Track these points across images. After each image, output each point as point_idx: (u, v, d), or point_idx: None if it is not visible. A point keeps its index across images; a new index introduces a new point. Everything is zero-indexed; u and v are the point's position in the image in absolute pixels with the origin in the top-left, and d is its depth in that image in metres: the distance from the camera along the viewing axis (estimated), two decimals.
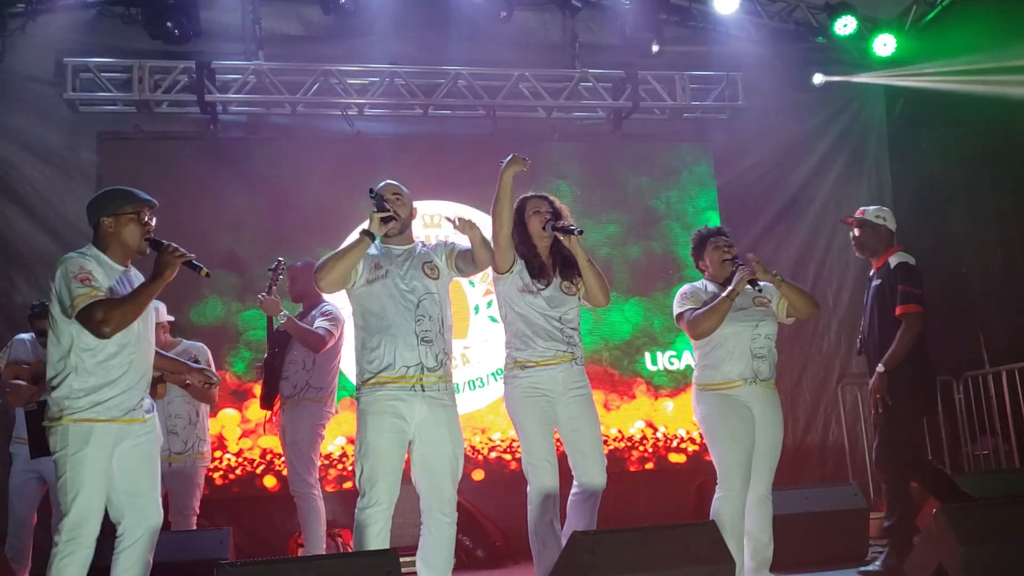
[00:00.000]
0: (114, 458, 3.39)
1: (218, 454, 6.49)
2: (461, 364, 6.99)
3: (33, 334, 5.52)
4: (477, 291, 7.14)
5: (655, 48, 7.49)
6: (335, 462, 6.63)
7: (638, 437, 7.25)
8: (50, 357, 3.46)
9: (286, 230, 6.96)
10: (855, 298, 8.00)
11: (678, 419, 7.32)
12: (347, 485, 6.47)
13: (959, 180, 7.66)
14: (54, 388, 3.39)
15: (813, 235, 8.06)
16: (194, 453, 5.53)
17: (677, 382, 7.39)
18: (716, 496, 4.24)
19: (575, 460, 4.14)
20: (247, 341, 6.73)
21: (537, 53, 7.66)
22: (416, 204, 4.14)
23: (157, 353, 3.77)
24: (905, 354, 4.61)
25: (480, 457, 6.88)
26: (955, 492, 4.66)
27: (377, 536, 3.57)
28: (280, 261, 5.39)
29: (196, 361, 5.41)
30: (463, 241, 3.98)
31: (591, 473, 4.10)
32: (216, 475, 6.48)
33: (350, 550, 4.27)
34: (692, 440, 7.27)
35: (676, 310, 4.44)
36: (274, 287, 5.25)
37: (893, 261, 4.82)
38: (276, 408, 5.46)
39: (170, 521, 5.13)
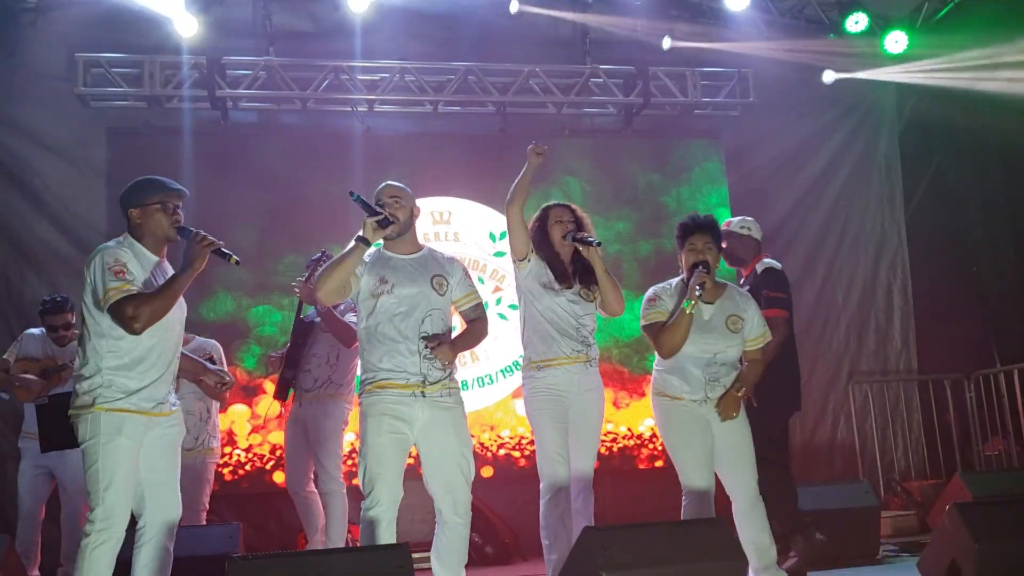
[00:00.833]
0: (142, 448, 3.40)
1: (228, 450, 6.49)
2: (470, 361, 6.98)
3: (43, 329, 5.52)
4: (486, 288, 7.13)
5: (666, 44, 7.48)
6: (344, 458, 6.61)
7: (648, 435, 7.23)
8: (81, 345, 3.46)
9: (296, 226, 6.96)
10: (865, 296, 8.00)
11: None
12: (355, 481, 6.44)
13: (971, 178, 7.64)
14: (86, 377, 3.39)
15: (823, 233, 8.04)
16: (204, 449, 5.54)
17: None
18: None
19: (571, 449, 4.28)
20: (257, 337, 6.73)
21: (547, 49, 7.65)
22: (425, 200, 4.06)
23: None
24: (771, 357, 4.52)
25: (489, 454, 6.87)
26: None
27: (383, 535, 3.56)
28: (324, 252, 5.37)
29: (211, 358, 5.43)
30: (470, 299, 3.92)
31: (582, 462, 4.28)
32: (226, 471, 6.48)
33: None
34: None
35: (642, 322, 4.19)
36: (313, 277, 5.22)
37: (760, 268, 4.82)
38: (288, 400, 5.46)
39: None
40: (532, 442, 4.46)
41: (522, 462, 6.85)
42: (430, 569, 3.79)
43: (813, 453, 7.63)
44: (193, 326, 5.96)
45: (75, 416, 3.38)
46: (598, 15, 7.70)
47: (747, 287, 4.80)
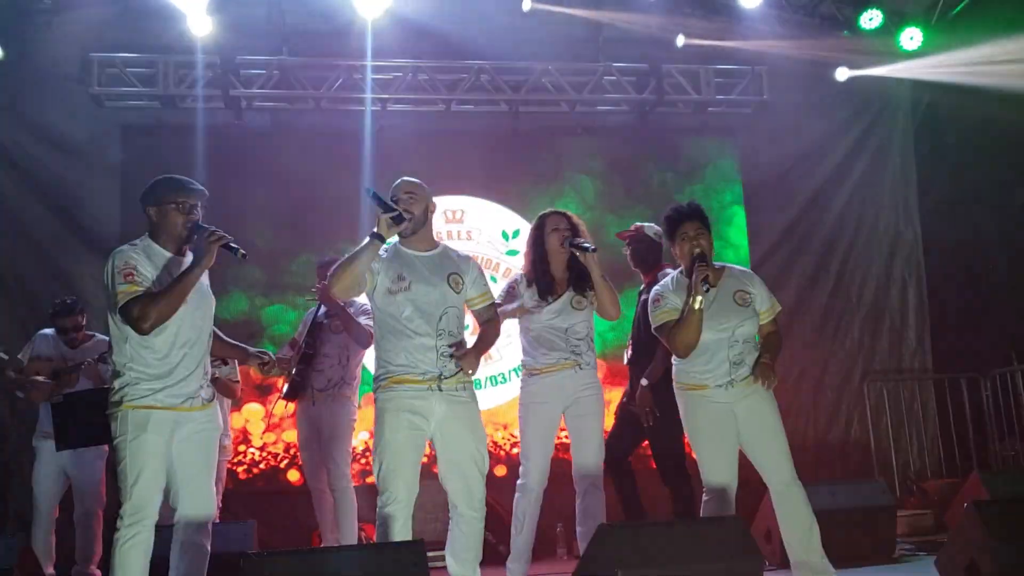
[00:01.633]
0: (173, 444, 3.44)
1: (242, 448, 6.51)
2: (484, 360, 6.94)
3: (55, 330, 5.54)
4: (499, 287, 7.09)
5: (680, 42, 7.46)
6: (358, 456, 6.63)
7: None
8: (112, 346, 3.53)
9: (309, 225, 6.98)
10: (879, 294, 7.96)
11: None
12: (370, 480, 6.46)
13: (987, 176, 7.57)
14: (117, 376, 3.46)
15: (837, 230, 8.00)
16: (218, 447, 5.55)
17: None
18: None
19: (575, 449, 4.47)
20: (271, 336, 6.74)
21: (560, 47, 7.63)
22: (438, 199, 3.99)
23: (219, 339, 3.82)
24: (664, 368, 4.54)
25: (502, 453, 6.86)
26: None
27: (399, 532, 3.56)
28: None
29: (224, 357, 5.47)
30: (486, 292, 3.96)
31: (587, 458, 4.41)
32: (240, 469, 6.51)
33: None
34: None
35: (652, 324, 4.11)
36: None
37: (661, 277, 4.76)
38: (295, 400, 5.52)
39: None
40: None
41: None
42: (445, 568, 3.79)
43: (827, 452, 7.59)
44: None
45: (110, 415, 3.45)
46: (611, 12, 7.68)
47: (647, 294, 4.64)
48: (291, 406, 5.60)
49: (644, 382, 4.82)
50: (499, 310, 4.25)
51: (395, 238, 3.79)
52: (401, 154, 7.03)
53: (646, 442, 5.23)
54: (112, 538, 3.35)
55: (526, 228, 4.82)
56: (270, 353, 3.91)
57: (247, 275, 6.75)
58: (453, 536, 3.74)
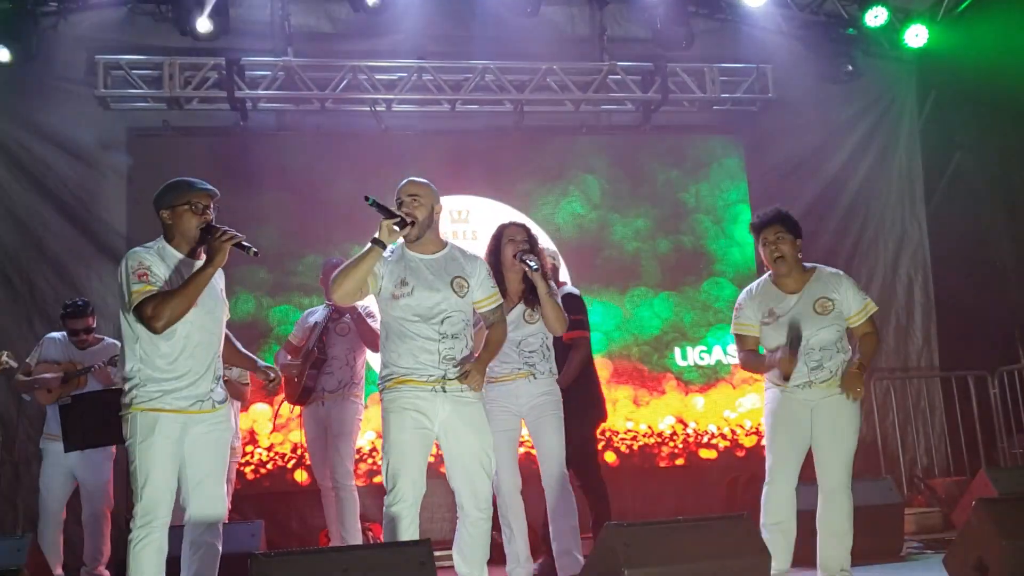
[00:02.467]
0: (186, 445, 3.46)
1: (249, 449, 6.52)
2: None
3: (65, 333, 5.56)
4: None
5: (685, 40, 7.44)
6: (365, 456, 6.65)
7: (668, 433, 7.21)
8: (123, 348, 3.55)
9: (315, 226, 6.99)
10: (885, 293, 7.94)
11: (709, 415, 7.27)
12: (377, 480, 6.48)
13: (993, 173, 7.56)
14: (127, 379, 3.48)
15: (842, 229, 7.98)
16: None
17: (708, 377, 7.35)
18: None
19: (539, 454, 4.49)
20: (278, 337, 6.75)
21: (565, 46, 7.62)
22: (443, 199, 3.92)
23: (231, 346, 3.87)
24: (576, 373, 4.89)
25: None
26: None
27: (406, 531, 3.57)
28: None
29: None
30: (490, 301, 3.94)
31: (548, 462, 4.44)
32: (248, 470, 6.52)
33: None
34: (723, 436, 7.23)
35: (731, 327, 4.39)
36: None
37: (561, 293, 4.83)
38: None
39: None
40: None
41: None
42: (452, 567, 3.79)
43: None
44: None
45: (122, 417, 3.48)
46: (615, 11, 7.68)
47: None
48: (297, 408, 5.63)
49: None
50: None
51: (400, 239, 3.79)
52: (406, 154, 7.05)
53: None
54: (120, 539, 3.38)
55: (531, 227, 4.79)
56: (277, 371, 3.93)
57: (254, 276, 6.76)
58: (460, 536, 3.75)
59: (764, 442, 4.35)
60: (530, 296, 4.44)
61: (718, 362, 7.38)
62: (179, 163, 6.69)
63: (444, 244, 3.90)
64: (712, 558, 3.43)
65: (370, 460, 6.66)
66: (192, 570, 3.48)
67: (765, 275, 4.35)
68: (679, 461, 7.18)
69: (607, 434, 6.94)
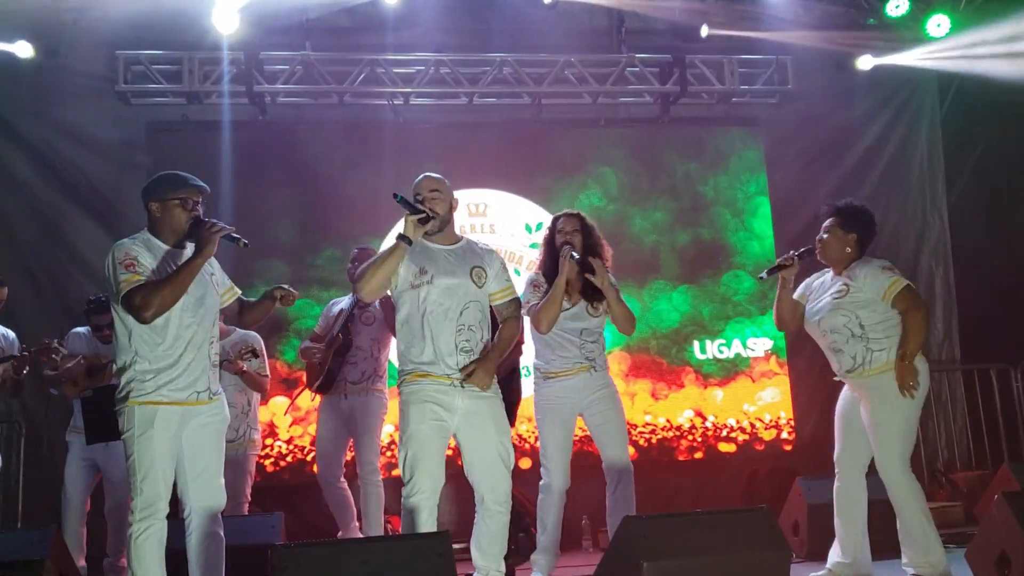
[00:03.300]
0: (183, 438, 3.48)
1: (269, 441, 6.56)
2: None
3: (89, 328, 5.60)
4: (522, 281, 7.11)
5: (704, 32, 7.40)
6: (384, 449, 6.65)
7: (687, 426, 7.19)
8: (117, 341, 3.55)
9: (333, 219, 7.02)
10: None
11: (728, 408, 7.25)
12: (396, 472, 6.48)
13: (1016, 164, 7.48)
14: (122, 372, 3.48)
15: None
16: (246, 441, 5.60)
17: (727, 371, 7.32)
18: None
19: (601, 445, 4.57)
20: (296, 330, 6.78)
21: (582, 39, 7.60)
22: (461, 192, 4.05)
23: (247, 306, 3.87)
24: (512, 366, 4.91)
25: (527, 446, 6.86)
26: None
27: (424, 523, 3.58)
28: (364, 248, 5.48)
29: (253, 350, 5.51)
30: (510, 288, 3.96)
31: (616, 451, 4.52)
32: (267, 462, 6.56)
33: None
34: (742, 429, 7.20)
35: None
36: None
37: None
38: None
39: None
40: None
41: None
42: (470, 559, 3.80)
43: None
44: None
45: (117, 411, 3.48)
46: (633, 3, 7.64)
47: None
48: (317, 398, 5.62)
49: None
50: (531, 306, 4.44)
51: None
52: (424, 147, 7.06)
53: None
54: None
55: (549, 221, 4.83)
56: (289, 288, 3.89)
57: (272, 270, 6.79)
58: (478, 530, 3.75)
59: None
60: (588, 290, 4.51)
61: (737, 355, 7.35)
62: (199, 157, 6.77)
63: (460, 237, 3.94)
64: (730, 551, 3.43)
65: (388, 453, 6.67)
66: (201, 561, 3.50)
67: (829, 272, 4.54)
68: (698, 455, 7.16)
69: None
